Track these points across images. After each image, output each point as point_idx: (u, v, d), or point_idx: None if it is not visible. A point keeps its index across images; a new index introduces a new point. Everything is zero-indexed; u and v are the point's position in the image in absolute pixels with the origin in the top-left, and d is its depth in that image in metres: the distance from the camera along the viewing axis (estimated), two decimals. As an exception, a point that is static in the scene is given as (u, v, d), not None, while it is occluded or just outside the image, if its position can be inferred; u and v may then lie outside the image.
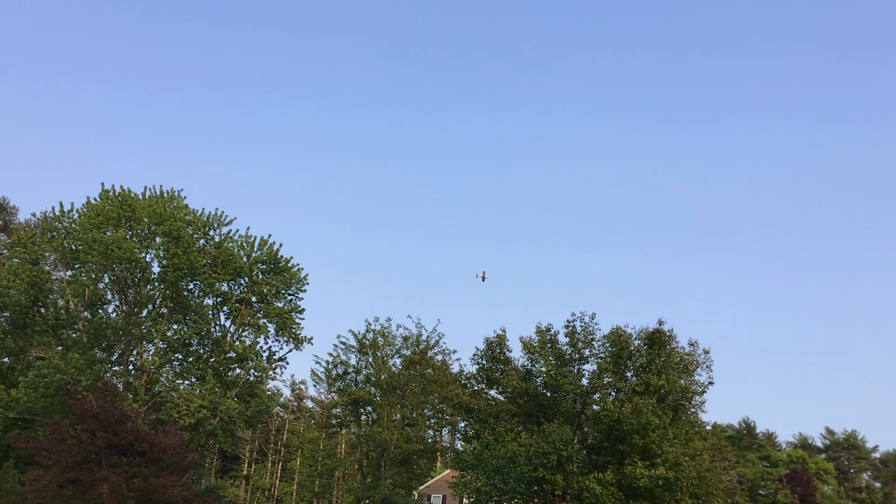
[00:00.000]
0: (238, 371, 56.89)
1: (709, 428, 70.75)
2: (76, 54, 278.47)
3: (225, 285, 56.93)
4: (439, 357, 58.06)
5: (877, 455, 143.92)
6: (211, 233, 57.00)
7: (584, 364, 47.56)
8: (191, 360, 55.39)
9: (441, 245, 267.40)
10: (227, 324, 57.80)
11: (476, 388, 51.09)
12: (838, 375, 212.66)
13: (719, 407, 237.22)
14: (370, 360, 56.37)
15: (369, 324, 56.78)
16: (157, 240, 53.60)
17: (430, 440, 67.72)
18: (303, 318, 58.36)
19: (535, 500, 46.61)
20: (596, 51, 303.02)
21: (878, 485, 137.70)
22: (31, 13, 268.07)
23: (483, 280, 58.60)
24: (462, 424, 53.05)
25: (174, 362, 55.24)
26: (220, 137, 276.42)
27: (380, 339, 56.32)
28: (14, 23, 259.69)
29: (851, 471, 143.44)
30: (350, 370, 56.33)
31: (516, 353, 49.74)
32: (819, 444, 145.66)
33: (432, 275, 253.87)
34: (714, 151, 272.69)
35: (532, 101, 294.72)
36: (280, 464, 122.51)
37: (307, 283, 58.72)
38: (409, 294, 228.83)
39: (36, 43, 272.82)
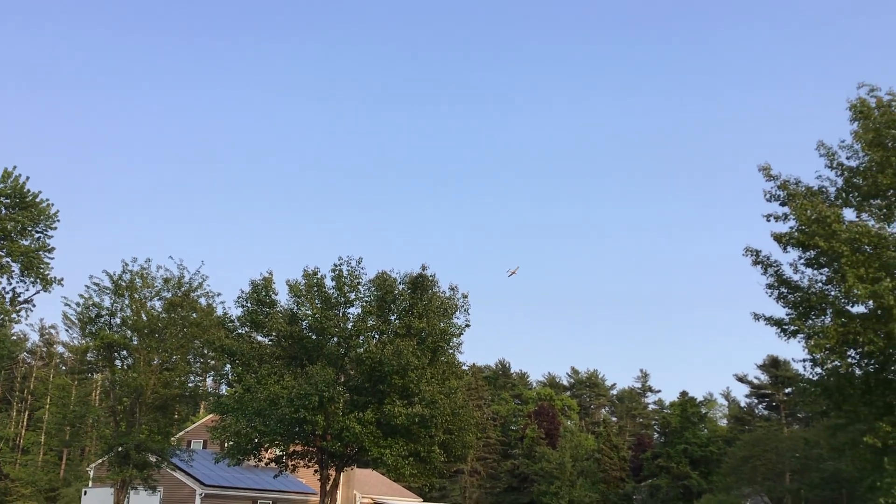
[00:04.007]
0: (-25, 314, 52.28)
1: (466, 368, 74.53)
2: None
3: (-40, 220, 51.84)
4: (203, 300, 56.35)
5: (614, 392, 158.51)
6: (-57, 162, 51.56)
7: (349, 307, 48.26)
8: (-82, 301, 50.16)
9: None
10: (-37, 262, 52.75)
11: (241, 331, 50.42)
12: (584, 320, 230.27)
13: (480, 349, 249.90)
14: (126, 302, 53.83)
15: (126, 264, 53.72)
16: None
17: (192, 385, 65.99)
18: (52, 258, 54.37)
19: (296, 441, 47.26)
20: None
21: (614, 419, 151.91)
22: None
23: (510, 276, 57.57)
24: (227, 368, 52.25)
25: None
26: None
27: (138, 280, 53.70)
28: None
29: (592, 406, 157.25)
30: (104, 313, 53.42)
31: (283, 297, 49.60)
32: (565, 382, 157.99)
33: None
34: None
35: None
36: (26, 413, 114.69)
37: (57, 221, 54.55)
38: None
39: None
